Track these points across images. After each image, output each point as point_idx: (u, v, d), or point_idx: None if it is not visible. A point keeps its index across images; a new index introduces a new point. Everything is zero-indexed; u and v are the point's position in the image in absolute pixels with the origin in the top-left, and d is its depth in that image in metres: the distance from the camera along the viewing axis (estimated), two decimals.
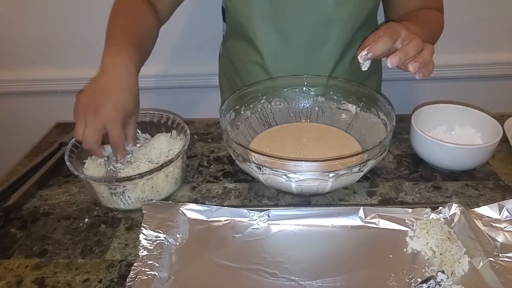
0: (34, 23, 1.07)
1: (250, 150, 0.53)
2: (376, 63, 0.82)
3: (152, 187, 0.57)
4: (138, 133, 0.65)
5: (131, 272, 0.45)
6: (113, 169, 0.58)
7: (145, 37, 0.66)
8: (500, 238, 0.49)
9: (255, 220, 0.53)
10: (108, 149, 0.58)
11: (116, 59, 0.58)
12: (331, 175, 0.51)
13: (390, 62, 0.52)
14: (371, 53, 0.53)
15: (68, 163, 0.55)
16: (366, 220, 0.52)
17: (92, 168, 0.59)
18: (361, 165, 0.52)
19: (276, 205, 0.58)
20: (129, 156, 0.60)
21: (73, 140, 0.59)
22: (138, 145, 0.61)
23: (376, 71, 0.85)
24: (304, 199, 0.59)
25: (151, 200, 0.56)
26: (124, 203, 0.56)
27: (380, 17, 0.80)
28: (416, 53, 0.53)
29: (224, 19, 0.80)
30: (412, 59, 0.53)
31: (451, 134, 0.67)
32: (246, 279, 0.46)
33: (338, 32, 0.70)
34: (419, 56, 0.53)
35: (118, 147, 0.57)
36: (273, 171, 0.51)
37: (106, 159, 0.58)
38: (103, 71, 0.57)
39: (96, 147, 0.56)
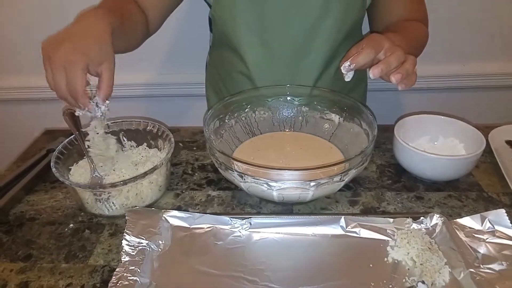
0: (23, 30, 1.08)
1: (232, 158, 0.54)
2: (361, 74, 0.83)
3: (136, 194, 0.57)
4: (124, 140, 0.66)
5: (113, 277, 0.46)
6: (100, 175, 0.59)
7: (129, 17, 0.63)
8: (482, 250, 0.49)
9: (237, 228, 0.53)
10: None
11: (89, 12, 0.55)
12: (312, 184, 0.51)
13: (372, 73, 0.53)
14: (354, 64, 0.54)
15: (53, 169, 0.56)
16: (347, 229, 0.53)
17: (78, 174, 0.60)
18: (342, 174, 0.52)
19: (259, 213, 0.58)
20: (103, 109, 0.54)
21: (59, 146, 0.60)
22: (108, 102, 0.55)
23: (361, 82, 0.86)
24: (287, 208, 0.59)
25: (135, 206, 0.57)
26: (108, 209, 0.57)
27: (365, 28, 0.81)
28: (398, 64, 0.54)
29: (210, 29, 0.81)
30: (394, 70, 0.53)
31: (435, 145, 0.68)
32: (226, 286, 0.47)
33: (321, 44, 0.71)
34: (401, 68, 0.54)
35: (76, 93, 0.51)
36: (255, 180, 0.52)
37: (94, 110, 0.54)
38: (75, 22, 0.54)
39: (66, 93, 0.51)
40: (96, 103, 0.54)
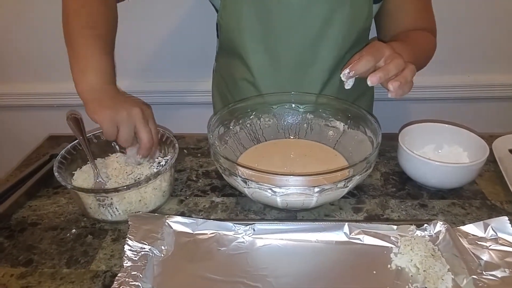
0: (28, 37, 1.10)
1: (237, 164, 0.54)
2: (367, 83, 0.83)
3: (140, 199, 0.57)
4: None
5: (115, 282, 0.45)
6: (103, 181, 0.59)
7: (113, 34, 0.64)
8: (485, 257, 0.49)
9: (241, 234, 0.53)
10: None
11: (106, 84, 0.58)
12: (316, 189, 0.51)
13: (370, 81, 0.53)
14: (353, 72, 0.54)
15: (56, 174, 0.56)
16: (350, 236, 0.52)
17: (81, 179, 0.60)
18: (346, 180, 0.52)
19: (262, 220, 0.58)
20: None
21: (62, 152, 0.60)
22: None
23: (367, 91, 0.86)
24: (290, 214, 0.59)
25: (138, 212, 0.57)
26: (111, 215, 0.57)
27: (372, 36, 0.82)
28: (398, 72, 0.54)
29: (218, 35, 0.82)
30: (393, 78, 0.54)
31: (439, 153, 0.68)
32: None
33: (326, 53, 0.71)
34: (400, 76, 0.54)
35: (150, 147, 0.58)
36: (259, 185, 0.52)
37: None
38: (102, 91, 0.57)
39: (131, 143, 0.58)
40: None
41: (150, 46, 1.10)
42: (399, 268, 0.49)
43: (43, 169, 0.67)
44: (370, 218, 0.58)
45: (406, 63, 0.55)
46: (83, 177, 0.60)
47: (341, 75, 0.55)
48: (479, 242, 0.51)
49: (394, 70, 0.53)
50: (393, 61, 0.54)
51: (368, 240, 0.52)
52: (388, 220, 0.58)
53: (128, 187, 0.55)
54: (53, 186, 0.66)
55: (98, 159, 0.64)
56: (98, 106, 0.55)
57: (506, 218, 0.52)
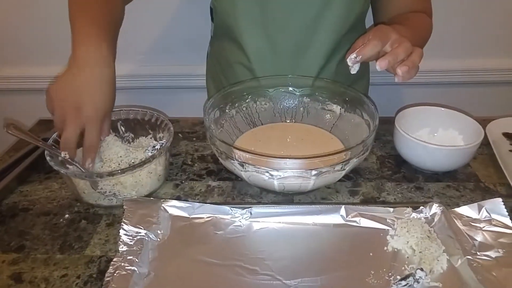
0: (16, 19, 1.06)
1: (233, 147, 0.53)
2: (364, 67, 0.83)
3: (135, 183, 0.56)
4: (122, 130, 0.65)
5: (110, 267, 0.45)
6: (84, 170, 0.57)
7: (116, 23, 0.63)
8: (479, 237, 0.50)
9: (237, 218, 0.53)
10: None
11: (97, 50, 0.55)
12: (313, 172, 0.51)
13: (379, 65, 0.52)
14: (360, 56, 0.53)
15: (48, 158, 0.55)
16: (347, 218, 0.53)
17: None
18: (343, 163, 0.52)
19: (259, 203, 0.58)
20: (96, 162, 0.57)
21: (54, 135, 0.59)
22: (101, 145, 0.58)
23: (363, 76, 0.85)
24: (287, 198, 0.59)
25: (134, 196, 0.56)
26: (105, 199, 0.56)
27: (369, 22, 0.81)
28: (406, 56, 0.53)
29: (212, 19, 0.80)
30: (401, 62, 0.53)
31: (434, 136, 0.68)
32: (225, 275, 0.46)
33: (324, 36, 0.70)
34: (408, 60, 0.53)
35: (92, 151, 0.55)
36: (256, 169, 0.51)
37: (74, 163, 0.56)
38: (82, 61, 0.54)
39: (73, 149, 0.54)
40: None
41: (144, 30, 1.08)
42: (396, 250, 0.49)
43: (34, 153, 0.66)
44: (366, 201, 0.58)
45: (414, 47, 0.54)
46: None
47: (347, 60, 0.54)
48: (473, 224, 0.51)
49: (402, 55, 0.53)
50: (401, 45, 0.53)
51: (365, 222, 0.52)
52: (384, 203, 0.58)
53: (123, 171, 0.53)
54: (44, 171, 0.64)
55: None
56: (55, 90, 0.54)
57: (500, 199, 0.52)
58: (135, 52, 1.11)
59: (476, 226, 0.51)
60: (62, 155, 0.54)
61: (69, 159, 0.55)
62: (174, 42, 1.11)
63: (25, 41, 1.10)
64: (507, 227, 0.50)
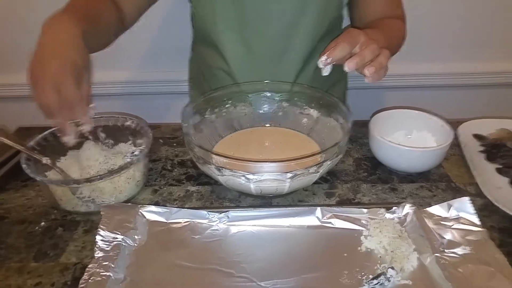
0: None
1: (210, 152, 0.54)
2: (341, 71, 0.85)
3: (114, 188, 0.56)
4: (101, 136, 0.65)
5: (85, 273, 0.45)
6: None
7: (99, 17, 0.62)
8: (448, 236, 0.51)
9: (215, 222, 0.53)
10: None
11: (55, 20, 0.54)
12: (288, 175, 0.52)
13: (347, 66, 0.54)
14: (331, 58, 0.55)
15: (24, 166, 0.55)
16: (322, 220, 0.53)
17: (53, 172, 0.58)
18: (318, 166, 0.53)
19: (237, 207, 0.58)
20: (91, 113, 0.54)
21: (31, 142, 0.58)
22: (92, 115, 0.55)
23: (341, 79, 0.87)
24: (265, 201, 0.60)
25: (111, 202, 0.56)
26: (82, 205, 0.56)
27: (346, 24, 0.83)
28: (373, 57, 0.55)
29: (192, 25, 0.81)
30: (369, 63, 0.55)
31: (409, 138, 0.70)
32: (202, 279, 0.47)
33: (300, 41, 0.72)
34: (375, 61, 0.55)
35: (74, 105, 0.50)
36: (232, 173, 0.52)
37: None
38: (44, 33, 0.53)
39: (57, 110, 0.49)
40: None
41: (124, 36, 1.08)
42: (369, 250, 0.50)
43: (11, 161, 0.65)
44: (342, 203, 0.59)
45: (381, 49, 0.56)
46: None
47: (318, 62, 0.56)
48: (442, 222, 0.53)
49: (369, 56, 0.54)
50: (368, 47, 0.55)
51: (340, 223, 0.53)
52: (359, 204, 0.59)
53: (101, 177, 0.54)
54: (21, 179, 0.64)
55: (70, 151, 0.62)
56: (28, 66, 0.51)
57: (467, 198, 0.54)
58: (118, 59, 1.11)
59: (445, 224, 0.52)
60: (44, 161, 0.54)
61: (51, 164, 0.54)
62: (157, 48, 1.11)
63: (3, 48, 1.09)
64: (474, 225, 0.52)
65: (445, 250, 0.48)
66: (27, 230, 0.55)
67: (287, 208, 0.55)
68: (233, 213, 0.54)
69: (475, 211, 0.53)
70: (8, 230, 0.55)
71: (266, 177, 0.52)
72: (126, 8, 0.70)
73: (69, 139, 0.53)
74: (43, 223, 0.56)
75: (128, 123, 0.65)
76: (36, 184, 0.63)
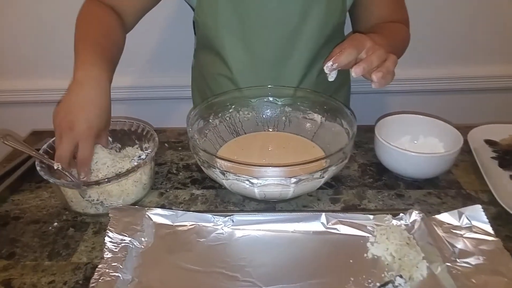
0: (8, 34, 1.09)
1: (215, 156, 0.55)
2: (344, 76, 0.85)
3: (122, 191, 0.58)
4: (109, 141, 0.66)
5: (95, 273, 0.46)
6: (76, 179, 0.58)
7: (116, 50, 0.67)
8: (459, 245, 0.50)
9: (220, 225, 0.54)
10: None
11: (90, 74, 0.59)
12: (292, 180, 0.52)
13: (354, 72, 0.54)
14: (337, 64, 0.55)
15: (38, 168, 0.57)
16: (328, 225, 0.53)
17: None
18: (322, 171, 0.53)
19: (241, 211, 0.59)
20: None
21: (44, 146, 0.61)
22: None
23: (344, 84, 0.87)
24: (269, 206, 0.60)
25: (119, 205, 0.58)
26: (92, 208, 0.57)
27: (348, 30, 0.83)
28: (380, 63, 0.55)
29: (195, 32, 0.82)
30: (376, 69, 0.55)
31: (415, 144, 0.69)
32: (207, 282, 0.47)
33: (303, 47, 0.72)
34: (383, 66, 0.55)
35: (85, 165, 0.58)
36: (237, 177, 0.53)
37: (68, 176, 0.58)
38: (78, 84, 0.59)
39: (66, 163, 0.57)
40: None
41: (129, 42, 1.10)
42: (375, 257, 0.50)
43: (26, 163, 0.68)
44: (347, 209, 0.59)
45: (388, 54, 0.56)
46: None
47: (324, 68, 0.56)
48: (453, 231, 0.52)
49: (376, 61, 0.54)
50: (375, 53, 0.55)
51: (345, 229, 0.53)
52: (365, 210, 0.59)
53: (109, 180, 0.55)
54: (35, 180, 0.66)
55: None
56: (58, 109, 0.58)
57: (479, 206, 0.53)
58: (124, 64, 1.13)
59: (456, 233, 0.51)
60: (55, 166, 0.56)
61: (61, 170, 0.57)
62: (162, 53, 1.13)
63: (15, 55, 1.12)
64: (487, 234, 0.51)
65: (457, 260, 0.47)
66: (41, 229, 0.57)
67: (292, 214, 0.55)
68: (237, 217, 0.54)
69: (488, 220, 0.52)
70: (23, 230, 0.57)
71: (270, 181, 0.53)
72: (128, 19, 0.73)
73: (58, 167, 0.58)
74: (56, 224, 0.58)
75: (134, 127, 0.66)
76: (49, 186, 0.65)
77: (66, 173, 0.57)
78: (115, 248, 0.50)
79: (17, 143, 0.59)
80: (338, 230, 0.53)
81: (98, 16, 0.69)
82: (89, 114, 0.57)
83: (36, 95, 1.16)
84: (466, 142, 0.66)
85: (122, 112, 1.07)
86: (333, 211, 0.58)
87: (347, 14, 0.78)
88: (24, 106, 1.20)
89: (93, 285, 0.45)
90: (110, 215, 0.53)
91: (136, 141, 0.67)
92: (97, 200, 0.57)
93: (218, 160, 0.54)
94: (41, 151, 0.60)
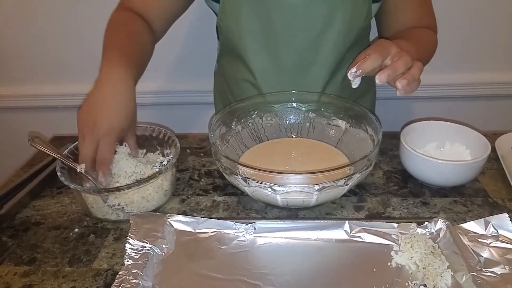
0: (34, 39, 1.11)
1: (237, 163, 0.54)
2: (369, 82, 0.83)
3: (142, 198, 0.58)
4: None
5: (116, 280, 0.46)
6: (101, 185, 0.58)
7: (142, 53, 0.68)
8: (485, 254, 0.49)
9: (241, 232, 0.53)
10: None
11: (113, 71, 0.59)
12: (315, 188, 0.51)
13: (378, 79, 0.53)
14: (361, 70, 0.54)
15: (59, 174, 0.57)
16: (351, 234, 0.52)
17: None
18: (346, 178, 0.52)
19: (263, 218, 0.58)
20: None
21: (65, 151, 0.61)
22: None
23: (369, 90, 0.86)
24: (292, 213, 0.59)
25: (140, 211, 0.57)
26: (113, 214, 0.57)
27: (373, 35, 0.82)
28: (405, 70, 0.54)
29: (218, 37, 0.82)
30: (401, 76, 0.53)
31: (441, 151, 0.67)
32: None
33: (327, 52, 0.71)
34: (408, 73, 0.54)
35: (103, 164, 0.56)
36: (259, 184, 0.52)
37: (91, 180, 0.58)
38: (100, 82, 0.58)
39: (89, 164, 0.56)
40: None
41: (156, 48, 1.12)
42: (399, 265, 0.49)
43: (47, 169, 0.68)
44: (371, 216, 0.58)
45: (414, 61, 0.55)
46: None
47: (348, 74, 0.55)
48: (479, 239, 0.51)
49: (402, 68, 0.53)
50: (400, 59, 0.54)
51: (369, 238, 0.52)
52: (389, 218, 0.57)
53: (130, 186, 0.55)
54: (56, 186, 0.67)
55: None
56: (82, 107, 0.58)
57: (506, 215, 0.52)
58: (148, 69, 1.15)
59: (482, 242, 0.50)
60: (79, 169, 0.56)
61: (84, 173, 0.57)
62: (181, 59, 1.14)
63: (38, 59, 1.14)
64: None
65: (483, 269, 0.46)
66: (62, 235, 0.57)
67: (315, 221, 0.54)
68: (259, 224, 0.53)
69: None
70: (44, 235, 0.57)
71: (293, 189, 0.52)
72: (156, 26, 0.74)
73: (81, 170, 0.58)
74: (76, 230, 0.58)
75: (156, 133, 0.66)
76: (70, 192, 0.65)
77: (89, 177, 0.57)
78: (136, 255, 0.49)
79: (45, 145, 0.60)
80: (361, 238, 0.52)
81: (126, 21, 0.70)
82: (111, 112, 0.57)
83: (59, 100, 1.17)
84: (493, 149, 0.64)
85: (144, 118, 1.08)
86: (356, 219, 0.57)
87: (373, 19, 0.77)
88: (46, 111, 1.22)
89: None
90: (130, 221, 0.53)
91: (157, 147, 0.67)
92: (118, 206, 0.57)
93: (240, 166, 0.54)
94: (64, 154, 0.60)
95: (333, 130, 0.69)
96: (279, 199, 0.53)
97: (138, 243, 0.50)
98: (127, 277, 0.46)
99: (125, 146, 0.62)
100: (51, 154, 0.59)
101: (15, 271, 0.51)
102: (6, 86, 1.19)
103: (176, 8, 0.75)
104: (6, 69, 1.17)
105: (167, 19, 0.76)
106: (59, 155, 0.59)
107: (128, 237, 0.51)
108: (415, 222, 0.53)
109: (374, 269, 0.48)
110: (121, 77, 0.59)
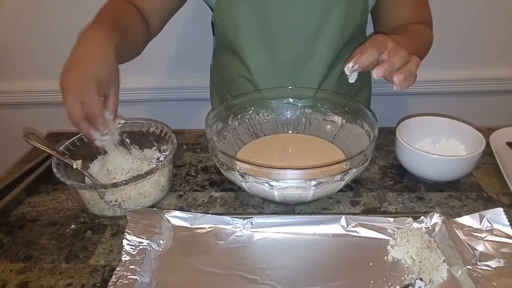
0: (28, 35, 1.10)
1: (234, 158, 0.54)
2: (365, 78, 0.84)
3: (139, 193, 0.57)
4: (127, 143, 0.66)
5: (113, 276, 0.46)
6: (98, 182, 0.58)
7: (129, 29, 0.65)
8: (480, 247, 0.49)
9: (239, 228, 0.54)
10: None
11: (90, 33, 0.57)
12: (312, 183, 0.52)
13: (375, 73, 0.53)
14: (358, 65, 0.54)
15: (55, 170, 0.56)
16: (348, 228, 0.53)
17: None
18: (343, 173, 0.53)
19: (260, 213, 0.58)
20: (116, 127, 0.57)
21: (61, 148, 0.61)
22: (118, 123, 0.60)
23: (365, 86, 0.86)
24: (289, 208, 0.59)
25: (137, 207, 0.57)
26: (110, 210, 0.57)
27: (370, 31, 0.82)
28: (402, 64, 0.54)
29: (213, 33, 0.82)
30: (397, 70, 0.54)
31: (436, 146, 0.68)
32: (226, 285, 0.47)
33: (324, 48, 0.72)
34: (405, 68, 0.54)
35: (95, 117, 0.54)
36: (256, 179, 0.52)
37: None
38: (77, 45, 0.56)
39: (79, 120, 0.53)
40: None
41: (151, 44, 1.11)
42: (396, 259, 0.49)
43: (42, 165, 0.68)
44: (368, 211, 0.58)
45: (410, 56, 0.55)
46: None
47: (345, 69, 0.55)
48: (474, 234, 0.51)
49: (398, 63, 0.53)
50: (397, 54, 0.54)
51: (365, 232, 0.52)
52: (385, 213, 0.58)
53: (127, 183, 0.55)
54: (52, 182, 0.66)
55: (99, 157, 0.64)
56: (61, 74, 0.54)
57: (501, 209, 0.52)
58: (142, 65, 1.14)
59: (477, 236, 0.51)
60: (74, 166, 0.56)
61: (81, 170, 0.56)
62: (177, 55, 1.13)
63: (33, 55, 1.13)
64: (508, 237, 0.50)
65: (478, 263, 0.47)
66: (58, 232, 0.57)
67: (312, 216, 0.54)
68: (257, 219, 0.54)
69: (509, 223, 0.51)
70: (40, 232, 0.57)
71: (290, 184, 0.52)
72: (151, 19, 0.72)
73: (100, 143, 0.56)
74: (73, 226, 0.57)
75: (153, 129, 0.66)
76: (66, 188, 0.65)
77: (85, 172, 0.56)
78: (133, 251, 0.49)
79: (40, 142, 0.59)
80: (358, 233, 0.53)
81: (117, 5, 0.68)
82: (89, 66, 0.54)
83: (54, 96, 1.16)
84: (488, 144, 0.65)
85: (140, 114, 1.08)
86: (353, 213, 0.57)
87: (369, 14, 0.77)
88: (41, 107, 1.20)
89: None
90: (128, 217, 0.53)
91: (154, 143, 0.66)
92: (115, 202, 0.56)
93: (237, 162, 0.54)
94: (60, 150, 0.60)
95: (329, 126, 0.69)
96: (276, 194, 0.53)
97: (135, 239, 0.50)
98: (125, 273, 0.46)
99: (123, 146, 0.62)
100: (46, 150, 0.59)
101: (11, 268, 0.51)
102: (0, 82, 1.18)
103: (171, 2, 0.74)
104: (0, 65, 1.15)
105: (163, 13, 0.74)
106: (54, 152, 0.58)
107: (125, 233, 0.50)
108: (411, 217, 0.53)
109: (371, 263, 0.49)
110: (99, 37, 0.57)
